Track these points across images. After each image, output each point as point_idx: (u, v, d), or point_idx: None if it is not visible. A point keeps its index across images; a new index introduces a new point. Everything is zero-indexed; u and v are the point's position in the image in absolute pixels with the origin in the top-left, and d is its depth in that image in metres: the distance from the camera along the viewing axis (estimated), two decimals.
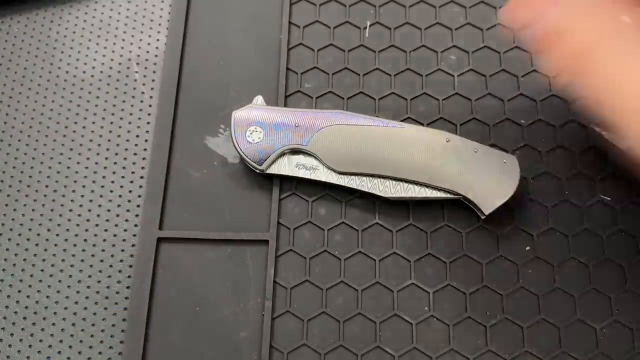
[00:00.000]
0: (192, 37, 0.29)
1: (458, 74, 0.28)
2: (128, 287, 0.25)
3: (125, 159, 0.27)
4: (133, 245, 0.25)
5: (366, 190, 0.24)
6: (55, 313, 0.24)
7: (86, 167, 0.27)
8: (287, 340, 0.23)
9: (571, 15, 0.18)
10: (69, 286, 0.25)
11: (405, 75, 0.28)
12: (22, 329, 0.24)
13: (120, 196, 0.26)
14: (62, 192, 0.26)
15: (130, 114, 0.28)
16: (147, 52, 0.29)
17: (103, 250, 0.25)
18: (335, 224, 0.25)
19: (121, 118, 0.28)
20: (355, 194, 0.25)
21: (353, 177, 0.25)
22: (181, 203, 0.26)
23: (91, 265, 0.25)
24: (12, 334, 0.24)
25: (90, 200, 0.26)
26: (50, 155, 0.27)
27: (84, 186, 0.27)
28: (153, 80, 0.29)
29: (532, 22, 0.18)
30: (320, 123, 0.25)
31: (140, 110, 0.28)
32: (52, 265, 0.25)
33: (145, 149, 0.27)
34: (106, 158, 0.27)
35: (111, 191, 0.27)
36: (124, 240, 0.26)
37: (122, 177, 0.27)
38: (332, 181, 0.25)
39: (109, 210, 0.26)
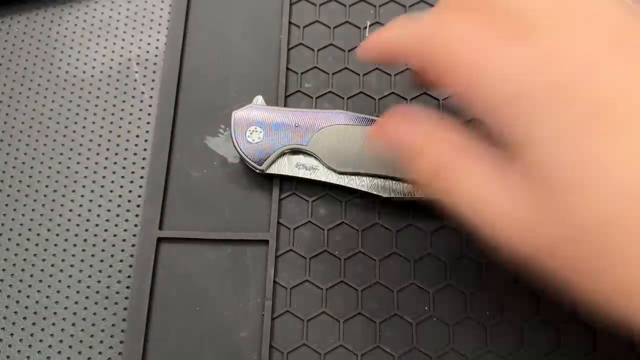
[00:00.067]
0: (192, 37, 0.29)
1: None
2: (128, 287, 0.25)
3: (125, 159, 0.27)
4: (133, 245, 0.26)
5: (366, 190, 0.24)
6: (55, 313, 0.24)
7: (86, 167, 0.27)
8: (287, 340, 0.23)
9: (425, 135, 0.19)
10: (69, 286, 0.25)
11: (405, 75, 0.28)
12: (22, 329, 0.24)
13: (120, 196, 0.26)
14: (62, 192, 0.26)
15: (130, 114, 0.28)
16: (147, 52, 0.29)
17: (103, 250, 0.25)
18: (335, 224, 0.25)
19: (121, 118, 0.28)
20: (355, 194, 0.25)
21: (353, 177, 0.25)
22: (181, 203, 0.26)
23: (91, 265, 0.25)
24: (12, 334, 0.24)
25: (90, 200, 0.26)
26: (50, 155, 0.27)
27: (84, 186, 0.27)
28: (153, 80, 0.29)
29: (394, 143, 0.20)
30: (320, 123, 0.25)
31: (140, 110, 0.28)
32: (52, 265, 0.25)
33: (145, 149, 0.27)
34: (106, 158, 0.27)
35: (111, 191, 0.27)
36: (124, 240, 0.26)
37: (122, 177, 0.27)
38: (332, 181, 0.25)
39: (109, 210, 0.26)
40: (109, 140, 0.27)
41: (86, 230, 0.26)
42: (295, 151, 0.25)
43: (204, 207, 0.26)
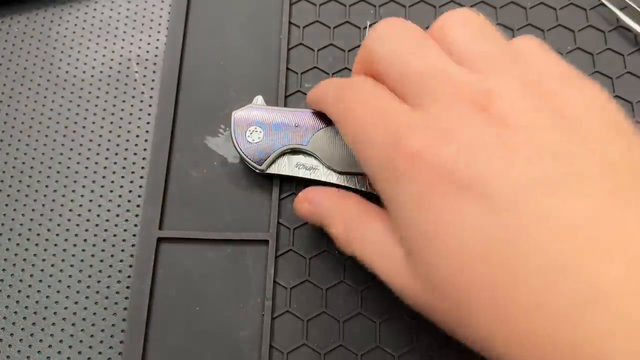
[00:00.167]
0: (192, 37, 0.29)
1: None
2: (128, 287, 0.25)
3: (125, 159, 0.27)
4: (133, 245, 0.26)
5: (366, 190, 0.24)
6: (55, 313, 0.24)
7: (86, 167, 0.27)
8: (287, 340, 0.23)
9: (330, 205, 0.22)
10: (69, 286, 0.25)
11: None
12: (22, 329, 0.24)
13: (120, 196, 0.26)
14: (62, 192, 0.26)
15: (130, 114, 0.28)
16: (147, 52, 0.29)
17: (103, 250, 0.25)
18: None
19: (121, 118, 0.28)
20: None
21: (353, 177, 0.25)
22: (181, 203, 0.26)
23: (91, 265, 0.25)
24: (12, 334, 0.24)
25: (90, 200, 0.26)
26: (50, 155, 0.27)
27: (84, 186, 0.27)
28: (153, 80, 0.29)
29: (313, 210, 0.23)
30: (320, 123, 0.25)
31: (140, 110, 0.28)
32: (52, 265, 0.25)
33: (145, 149, 0.27)
34: (106, 158, 0.27)
35: (111, 191, 0.27)
36: (124, 240, 0.26)
37: (122, 177, 0.27)
38: (332, 181, 0.25)
39: (109, 210, 0.26)
40: (109, 140, 0.27)
41: (86, 230, 0.26)
42: (295, 151, 0.25)
43: (204, 207, 0.26)
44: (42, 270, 0.25)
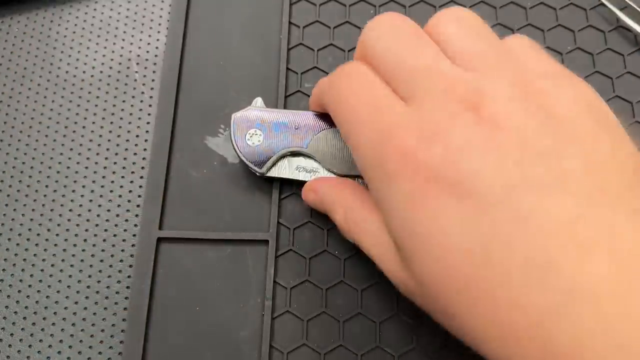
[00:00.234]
0: (192, 37, 0.29)
1: None
2: (128, 287, 0.25)
3: (125, 159, 0.27)
4: (133, 245, 0.26)
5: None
6: (55, 313, 0.24)
7: (86, 167, 0.27)
8: (287, 340, 0.23)
9: (335, 194, 0.23)
10: (69, 286, 0.25)
11: None
12: (22, 329, 0.24)
13: (120, 196, 0.26)
14: (62, 192, 0.26)
15: (130, 114, 0.28)
16: (147, 52, 0.29)
17: (103, 250, 0.25)
18: (335, 225, 0.25)
19: (121, 118, 0.28)
20: None
21: (354, 179, 0.25)
22: (181, 203, 0.26)
23: (91, 265, 0.25)
24: (12, 334, 0.24)
25: (90, 200, 0.26)
26: (50, 155, 0.27)
27: (84, 186, 0.27)
28: (153, 80, 0.29)
29: (317, 199, 0.24)
30: (320, 125, 0.25)
31: (140, 110, 0.28)
32: (52, 265, 0.25)
33: (145, 149, 0.27)
34: (106, 158, 0.27)
35: (111, 191, 0.27)
36: (124, 240, 0.26)
37: (122, 177, 0.27)
38: None
39: (109, 210, 0.26)
40: (109, 140, 0.27)
41: (86, 230, 0.26)
42: (295, 153, 0.25)
43: (204, 207, 0.26)
44: (42, 270, 0.25)
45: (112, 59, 0.29)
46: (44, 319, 0.24)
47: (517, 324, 0.15)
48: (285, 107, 0.27)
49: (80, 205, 0.26)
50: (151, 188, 0.26)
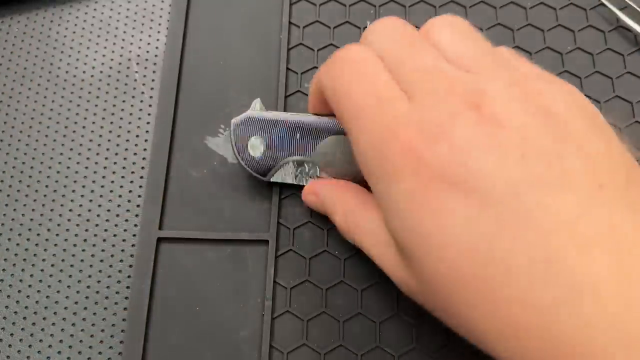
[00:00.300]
0: (192, 37, 0.29)
1: None
2: (128, 287, 0.25)
3: (125, 159, 0.27)
4: (133, 245, 0.26)
5: None
6: (55, 313, 0.24)
7: (86, 167, 0.27)
8: (287, 340, 0.23)
9: (332, 197, 0.23)
10: (69, 286, 0.25)
11: None
12: (22, 329, 0.24)
13: (120, 196, 0.26)
14: (62, 192, 0.26)
15: (130, 114, 0.28)
16: (147, 52, 0.29)
17: (103, 250, 0.25)
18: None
19: (121, 118, 0.28)
20: None
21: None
22: (181, 203, 0.26)
23: (91, 265, 0.25)
24: (12, 334, 0.24)
25: (90, 200, 0.26)
26: (50, 155, 0.27)
27: (84, 186, 0.27)
28: (153, 80, 0.29)
29: (318, 201, 0.24)
30: (322, 133, 0.24)
31: (140, 110, 0.28)
32: (52, 265, 0.25)
33: (145, 149, 0.27)
34: (106, 158, 0.27)
35: (111, 191, 0.27)
36: (124, 240, 0.26)
37: (122, 177, 0.27)
38: None
39: (109, 210, 0.26)
40: (109, 140, 0.27)
41: (86, 230, 0.26)
42: (299, 161, 0.25)
43: (204, 207, 0.26)
44: (42, 270, 0.25)
45: (112, 59, 0.29)
46: (44, 319, 0.24)
47: (520, 320, 0.16)
48: (285, 107, 0.27)
49: (80, 205, 0.26)
50: (151, 188, 0.26)
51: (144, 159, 0.27)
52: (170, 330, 0.24)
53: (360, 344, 0.23)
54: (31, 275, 0.25)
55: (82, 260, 0.25)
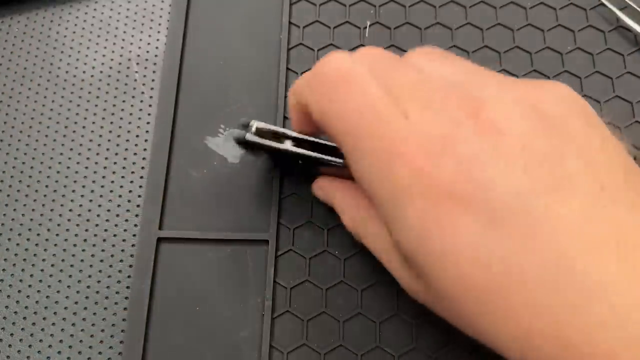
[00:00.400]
0: (192, 37, 0.29)
1: None
2: (128, 287, 0.25)
3: (125, 159, 0.27)
4: (133, 245, 0.26)
5: None
6: (55, 313, 0.24)
7: (86, 167, 0.27)
8: (287, 340, 0.23)
9: (340, 198, 0.23)
10: (69, 286, 0.25)
11: None
12: (22, 329, 0.24)
13: (120, 196, 0.26)
14: (62, 192, 0.26)
15: (130, 114, 0.28)
16: (147, 52, 0.29)
17: (103, 250, 0.25)
18: (335, 224, 0.25)
19: (121, 118, 0.28)
20: None
21: None
22: (181, 203, 0.26)
23: (91, 265, 0.25)
24: (12, 334, 0.24)
25: (90, 200, 0.26)
26: (50, 155, 0.27)
27: (84, 186, 0.27)
28: (153, 80, 0.29)
29: (327, 200, 0.24)
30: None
31: (140, 110, 0.28)
32: (52, 265, 0.25)
33: (145, 149, 0.27)
34: (106, 158, 0.27)
35: (111, 191, 0.27)
36: (124, 240, 0.26)
37: (122, 177, 0.27)
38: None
39: (109, 210, 0.26)
40: (109, 140, 0.27)
41: (86, 230, 0.26)
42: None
43: (204, 207, 0.26)
44: (42, 270, 0.25)
45: (112, 59, 0.29)
46: (44, 319, 0.24)
47: (532, 324, 0.16)
48: (285, 107, 0.27)
49: (80, 205, 0.26)
50: (151, 188, 0.26)
51: (144, 159, 0.27)
52: (170, 330, 0.24)
53: (360, 344, 0.23)
54: (31, 275, 0.25)
55: (82, 260, 0.25)
